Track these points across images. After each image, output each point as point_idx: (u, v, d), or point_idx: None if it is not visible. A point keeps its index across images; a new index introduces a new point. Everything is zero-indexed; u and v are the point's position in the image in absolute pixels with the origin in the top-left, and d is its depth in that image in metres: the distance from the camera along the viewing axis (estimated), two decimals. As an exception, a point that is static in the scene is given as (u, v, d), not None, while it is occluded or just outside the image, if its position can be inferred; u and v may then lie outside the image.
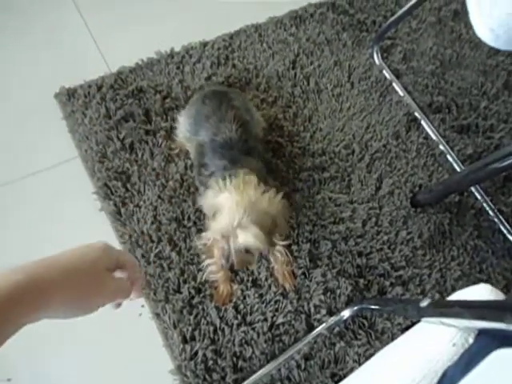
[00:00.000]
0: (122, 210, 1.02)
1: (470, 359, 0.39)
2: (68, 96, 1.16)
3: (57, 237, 1.00)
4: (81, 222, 1.02)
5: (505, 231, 1.13)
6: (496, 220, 1.15)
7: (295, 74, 1.29)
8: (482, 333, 0.42)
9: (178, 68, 1.24)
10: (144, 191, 1.05)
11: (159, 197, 1.05)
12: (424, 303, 0.47)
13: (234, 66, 1.27)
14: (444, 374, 0.40)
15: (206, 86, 1.19)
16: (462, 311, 0.40)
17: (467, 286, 1.04)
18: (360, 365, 0.91)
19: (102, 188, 1.05)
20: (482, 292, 0.45)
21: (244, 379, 0.89)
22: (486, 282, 1.05)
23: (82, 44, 1.29)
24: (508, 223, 1.14)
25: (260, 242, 0.73)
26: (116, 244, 1.00)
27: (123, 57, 1.25)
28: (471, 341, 0.42)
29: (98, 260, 0.41)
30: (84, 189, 1.05)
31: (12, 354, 0.88)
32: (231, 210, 0.73)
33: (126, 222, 1.01)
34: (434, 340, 0.44)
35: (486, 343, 0.39)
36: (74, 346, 0.91)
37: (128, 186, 1.05)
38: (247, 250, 0.76)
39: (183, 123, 1.02)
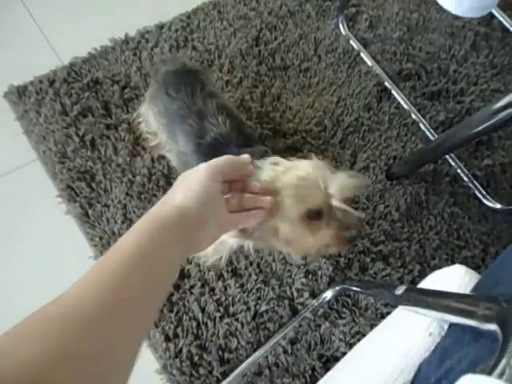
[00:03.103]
0: (90, 212, 0.98)
1: (443, 354, 0.38)
2: (18, 94, 1.08)
3: (23, 250, 0.96)
4: (47, 229, 0.97)
5: (480, 196, 1.13)
6: (471, 185, 1.15)
7: (259, 52, 1.23)
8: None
9: (134, 55, 1.17)
10: (111, 189, 1.00)
11: (127, 194, 1.00)
12: (399, 291, 0.46)
13: (194, 47, 1.21)
14: (419, 370, 0.39)
15: (160, 64, 0.89)
16: (433, 302, 0.38)
17: (446, 254, 1.06)
18: (346, 343, 0.92)
19: (65, 190, 0.99)
20: (456, 274, 0.44)
21: (232, 370, 0.88)
22: (464, 248, 1.07)
23: (28, 36, 1.19)
24: (483, 187, 1.14)
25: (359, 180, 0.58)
26: (87, 248, 0.96)
27: (75, 47, 1.16)
28: (446, 328, 0.41)
29: (213, 194, 0.43)
30: (46, 193, 1.00)
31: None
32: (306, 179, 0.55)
33: (95, 224, 0.97)
34: (411, 329, 0.42)
35: (458, 336, 0.38)
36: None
37: (93, 185, 1.00)
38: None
39: (152, 122, 0.86)
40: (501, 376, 0.25)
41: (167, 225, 0.37)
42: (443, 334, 0.41)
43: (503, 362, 0.26)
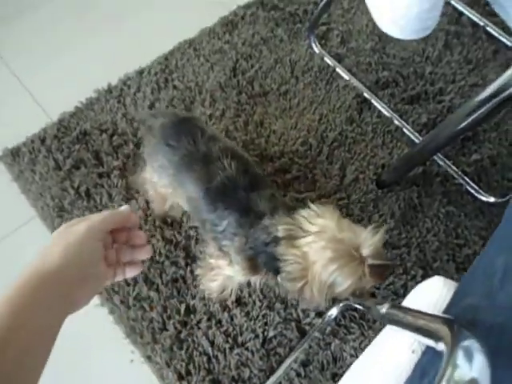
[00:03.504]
0: (92, 260, 1.00)
1: (422, 371, 0.39)
2: (12, 156, 1.13)
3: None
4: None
5: (472, 191, 1.14)
6: (462, 182, 1.15)
7: (238, 82, 1.27)
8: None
9: (118, 102, 1.21)
10: (110, 236, 1.03)
11: (126, 238, 1.02)
12: (383, 309, 0.47)
13: (174, 87, 1.25)
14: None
15: (153, 118, 0.88)
16: (404, 320, 0.39)
17: (447, 254, 1.06)
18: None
19: (66, 243, 1.02)
20: (434, 286, 0.45)
21: (248, 401, 0.88)
22: (464, 246, 1.07)
23: (16, 97, 1.26)
24: (474, 182, 1.15)
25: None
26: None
27: (61, 102, 1.22)
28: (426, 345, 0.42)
29: (94, 258, 0.43)
30: (48, 248, 1.03)
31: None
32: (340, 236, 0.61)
33: (98, 272, 0.99)
34: (396, 348, 0.43)
35: (433, 352, 0.39)
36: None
37: (92, 234, 1.03)
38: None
39: (157, 180, 0.86)
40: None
41: (45, 286, 0.38)
42: (424, 348, 0.42)
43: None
